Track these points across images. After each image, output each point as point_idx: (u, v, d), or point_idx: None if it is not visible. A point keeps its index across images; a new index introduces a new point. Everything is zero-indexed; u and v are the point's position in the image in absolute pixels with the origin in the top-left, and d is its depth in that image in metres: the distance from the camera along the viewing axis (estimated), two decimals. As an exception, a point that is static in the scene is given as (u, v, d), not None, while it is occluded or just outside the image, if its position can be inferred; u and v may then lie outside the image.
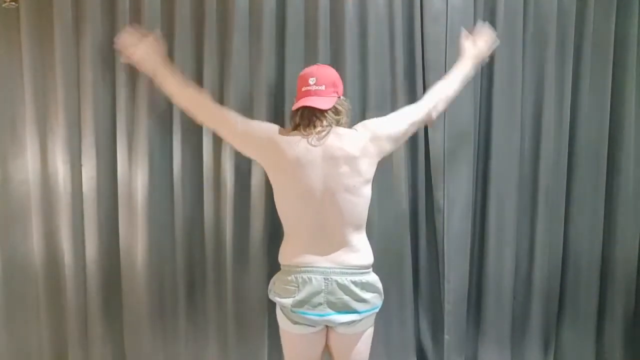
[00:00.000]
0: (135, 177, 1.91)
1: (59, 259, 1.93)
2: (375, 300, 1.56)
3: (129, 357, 1.99)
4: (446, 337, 2.12)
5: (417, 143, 2.07)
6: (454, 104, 2.03)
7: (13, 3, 1.79)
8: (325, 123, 1.53)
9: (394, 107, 2.02)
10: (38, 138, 1.88)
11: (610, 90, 2.13)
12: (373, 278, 1.58)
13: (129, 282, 1.95)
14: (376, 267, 2.00)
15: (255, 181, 1.95)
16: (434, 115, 1.70)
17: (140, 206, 1.91)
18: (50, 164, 1.90)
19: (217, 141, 1.94)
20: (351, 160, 1.50)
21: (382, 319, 2.07)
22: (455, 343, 2.12)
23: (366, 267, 1.57)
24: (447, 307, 2.10)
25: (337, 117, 1.57)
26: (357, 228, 1.56)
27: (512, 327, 2.20)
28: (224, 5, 1.89)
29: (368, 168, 1.55)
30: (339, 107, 1.58)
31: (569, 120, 2.13)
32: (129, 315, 1.96)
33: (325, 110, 1.53)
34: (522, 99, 2.10)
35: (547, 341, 2.23)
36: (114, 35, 1.86)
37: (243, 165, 1.95)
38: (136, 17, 1.85)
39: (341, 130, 1.56)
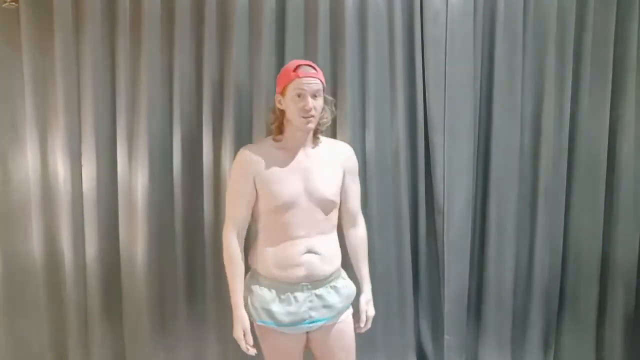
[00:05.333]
0: (135, 177, 1.91)
1: (59, 258, 1.93)
2: None
3: (129, 357, 1.99)
4: (446, 337, 2.12)
5: (417, 143, 2.07)
6: (454, 103, 2.04)
7: (13, 3, 1.78)
8: None
9: (393, 107, 2.02)
10: (38, 138, 1.87)
11: (610, 90, 2.13)
12: None
13: (129, 282, 1.94)
14: (376, 267, 2.01)
15: (255, 181, 1.94)
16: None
17: (140, 206, 1.90)
18: (50, 164, 1.90)
19: (217, 141, 1.94)
20: None
21: (382, 319, 2.07)
22: (455, 343, 2.12)
23: None
24: (447, 307, 2.10)
25: (272, 117, 1.62)
26: None
27: (512, 327, 2.19)
28: (224, 5, 1.89)
29: None
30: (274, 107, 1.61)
31: (569, 120, 2.13)
32: (129, 315, 1.96)
33: None
34: (522, 98, 2.10)
35: (547, 341, 2.23)
36: (114, 35, 1.86)
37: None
38: (136, 17, 1.85)
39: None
